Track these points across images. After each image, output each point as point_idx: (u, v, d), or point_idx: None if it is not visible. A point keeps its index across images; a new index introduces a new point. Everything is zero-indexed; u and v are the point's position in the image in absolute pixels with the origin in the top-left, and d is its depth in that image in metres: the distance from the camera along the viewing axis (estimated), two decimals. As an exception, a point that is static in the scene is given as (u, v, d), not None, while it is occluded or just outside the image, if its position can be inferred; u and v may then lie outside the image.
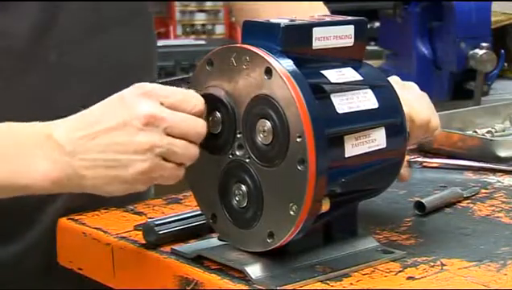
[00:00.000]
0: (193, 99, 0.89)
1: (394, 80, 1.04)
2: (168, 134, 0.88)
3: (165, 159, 0.88)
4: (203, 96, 0.90)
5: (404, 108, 0.97)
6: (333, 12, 1.16)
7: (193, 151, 0.89)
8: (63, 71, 1.14)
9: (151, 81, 1.22)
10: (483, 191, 1.22)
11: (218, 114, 0.91)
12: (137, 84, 0.90)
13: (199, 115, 0.89)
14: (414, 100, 1.08)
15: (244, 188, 0.89)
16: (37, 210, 1.16)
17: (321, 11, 1.25)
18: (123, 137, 0.88)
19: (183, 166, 0.89)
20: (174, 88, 0.90)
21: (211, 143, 0.91)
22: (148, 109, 0.87)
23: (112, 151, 0.88)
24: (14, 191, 0.93)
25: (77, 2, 1.14)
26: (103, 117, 0.89)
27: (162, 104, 0.88)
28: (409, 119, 1.02)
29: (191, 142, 0.89)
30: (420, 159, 1.37)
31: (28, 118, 0.94)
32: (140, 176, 0.88)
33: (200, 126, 0.89)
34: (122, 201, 1.15)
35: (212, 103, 0.90)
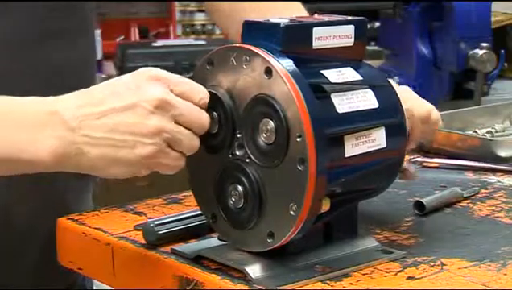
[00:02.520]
0: (200, 91, 0.89)
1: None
2: (175, 122, 0.87)
3: (169, 147, 0.88)
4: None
5: (404, 105, 0.97)
6: (333, 12, 1.16)
7: (196, 142, 0.89)
8: None
9: None
10: (483, 191, 1.22)
11: (215, 114, 0.91)
12: (145, 68, 0.90)
13: (204, 108, 0.89)
14: (412, 97, 1.09)
15: (240, 188, 0.89)
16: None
17: (299, 11, 1.25)
18: (133, 118, 0.87)
19: (184, 156, 0.89)
20: (182, 77, 0.90)
21: (208, 142, 0.91)
22: (160, 93, 0.87)
23: (120, 132, 0.87)
24: (18, 166, 0.91)
25: (15, 14, 1.11)
26: (113, 96, 0.88)
27: (171, 90, 0.88)
28: (410, 115, 1.03)
29: (194, 133, 0.89)
30: (420, 159, 1.37)
31: None
32: (144, 159, 0.87)
33: (205, 119, 0.89)
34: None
35: (211, 102, 0.90)
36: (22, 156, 0.89)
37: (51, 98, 0.91)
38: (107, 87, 0.90)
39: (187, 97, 0.88)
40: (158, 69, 0.90)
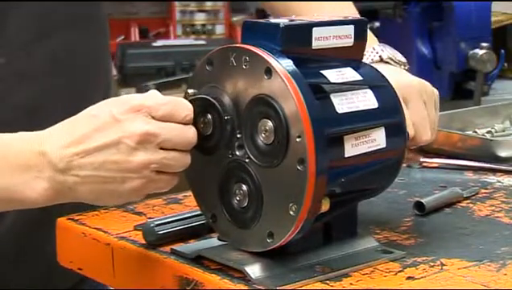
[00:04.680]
0: (183, 108, 0.89)
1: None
2: (161, 148, 0.88)
3: (159, 172, 0.89)
4: (195, 99, 0.90)
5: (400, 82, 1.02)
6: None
7: (185, 160, 0.90)
8: (11, 75, 1.14)
9: (107, 83, 1.24)
10: (483, 191, 1.22)
11: (209, 116, 0.91)
12: (123, 98, 0.90)
13: (189, 123, 0.89)
14: (405, 73, 1.15)
15: (245, 187, 0.89)
16: None
17: (349, 10, 1.27)
18: (117, 155, 0.87)
19: (176, 175, 0.90)
20: (162, 97, 0.89)
21: (203, 144, 0.91)
22: (141, 127, 0.87)
23: (106, 169, 0.88)
24: (9, 206, 0.94)
25: (25, 7, 1.14)
26: (95, 133, 0.88)
27: (152, 117, 0.88)
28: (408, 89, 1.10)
29: (182, 151, 0.89)
30: (420, 159, 1.37)
31: None
32: (135, 191, 0.89)
33: (191, 136, 0.89)
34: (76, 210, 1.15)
35: (206, 104, 0.90)
36: (13, 197, 0.91)
37: (37, 136, 0.92)
38: (89, 120, 0.89)
39: (170, 118, 0.88)
40: (137, 97, 0.89)
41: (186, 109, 0.89)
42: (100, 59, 1.27)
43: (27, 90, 1.14)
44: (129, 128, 0.87)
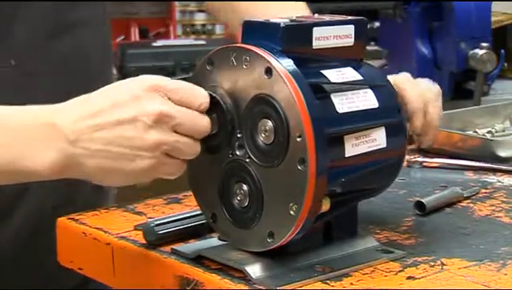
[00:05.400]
0: (200, 95, 0.89)
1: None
2: (175, 131, 0.87)
3: (169, 155, 0.88)
4: None
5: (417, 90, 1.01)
6: (334, 12, 1.16)
7: (196, 147, 0.89)
8: (22, 75, 1.14)
9: (110, 82, 1.25)
10: (483, 191, 1.22)
11: (215, 115, 0.90)
12: (143, 77, 0.89)
13: (204, 112, 0.89)
14: (418, 81, 1.12)
15: (245, 187, 0.89)
16: (13, 204, 1.18)
17: (301, 12, 1.26)
18: (132, 132, 0.87)
19: (185, 162, 0.90)
20: (181, 82, 0.89)
21: (208, 143, 0.91)
22: (158, 107, 0.86)
23: (118, 145, 0.87)
24: (16, 176, 0.93)
25: (36, 7, 1.15)
26: (111, 108, 0.88)
27: (169, 99, 0.87)
28: (423, 96, 1.08)
29: (194, 139, 0.89)
30: (420, 159, 1.37)
31: None
32: (144, 171, 0.88)
33: (205, 125, 0.89)
34: (93, 204, 1.17)
35: (209, 104, 0.90)
36: (21, 168, 0.90)
37: (49, 108, 0.91)
38: (106, 96, 0.89)
39: (187, 104, 0.88)
40: (157, 77, 0.89)
41: (202, 96, 0.89)
42: (106, 59, 1.28)
43: (37, 91, 1.14)
44: (146, 106, 0.86)
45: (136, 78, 0.90)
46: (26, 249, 1.20)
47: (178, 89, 0.88)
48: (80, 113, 0.89)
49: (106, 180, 0.91)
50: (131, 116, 0.86)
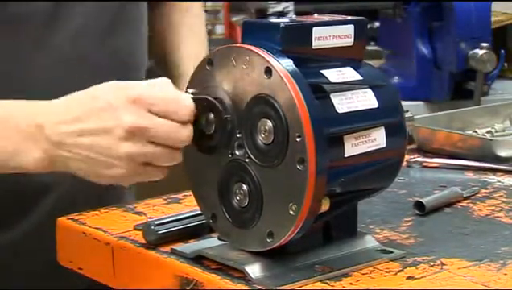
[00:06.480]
0: (181, 106, 0.89)
1: None
2: (152, 142, 0.88)
3: (148, 163, 0.90)
4: (198, 98, 0.90)
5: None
6: (333, 12, 1.16)
7: (176, 156, 0.90)
8: (77, 61, 1.18)
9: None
10: (483, 191, 1.22)
11: (212, 116, 0.90)
12: (124, 86, 0.91)
13: (186, 122, 0.89)
14: None
15: (245, 187, 0.89)
16: (33, 200, 1.19)
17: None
18: (106, 142, 0.89)
19: (165, 168, 0.91)
20: (163, 92, 0.90)
21: (205, 143, 0.91)
22: (132, 120, 0.88)
23: (96, 152, 0.90)
24: (4, 171, 0.98)
25: (90, 4, 1.19)
26: (89, 116, 0.90)
27: (149, 111, 0.88)
28: None
29: (173, 148, 0.89)
30: (420, 159, 1.37)
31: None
32: (122, 178, 0.91)
33: (184, 135, 0.89)
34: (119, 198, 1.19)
35: (207, 104, 0.90)
36: (9, 164, 0.96)
37: (37, 106, 0.95)
38: (86, 102, 0.92)
39: (166, 115, 0.88)
40: (141, 88, 0.90)
41: (184, 107, 0.89)
42: (144, 59, 1.31)
43: (90, 80, 1.17)
44: (122, 118, 0.88)
45: (120, 85, 0.91)
46: (44, 245, 1.20)
47: (159, 100, 0.89)
48: (60, 117, 0.93)
49: (92, 179, 0.94)
50: (108, 126, 0.89)
